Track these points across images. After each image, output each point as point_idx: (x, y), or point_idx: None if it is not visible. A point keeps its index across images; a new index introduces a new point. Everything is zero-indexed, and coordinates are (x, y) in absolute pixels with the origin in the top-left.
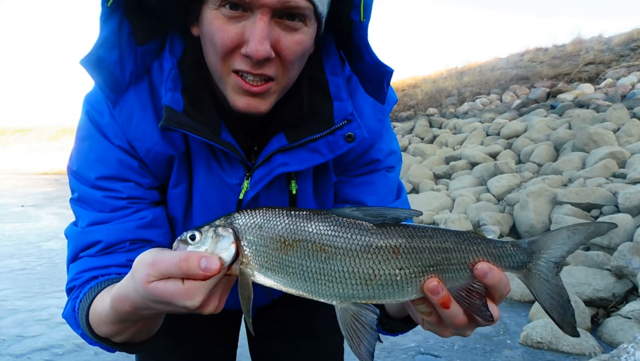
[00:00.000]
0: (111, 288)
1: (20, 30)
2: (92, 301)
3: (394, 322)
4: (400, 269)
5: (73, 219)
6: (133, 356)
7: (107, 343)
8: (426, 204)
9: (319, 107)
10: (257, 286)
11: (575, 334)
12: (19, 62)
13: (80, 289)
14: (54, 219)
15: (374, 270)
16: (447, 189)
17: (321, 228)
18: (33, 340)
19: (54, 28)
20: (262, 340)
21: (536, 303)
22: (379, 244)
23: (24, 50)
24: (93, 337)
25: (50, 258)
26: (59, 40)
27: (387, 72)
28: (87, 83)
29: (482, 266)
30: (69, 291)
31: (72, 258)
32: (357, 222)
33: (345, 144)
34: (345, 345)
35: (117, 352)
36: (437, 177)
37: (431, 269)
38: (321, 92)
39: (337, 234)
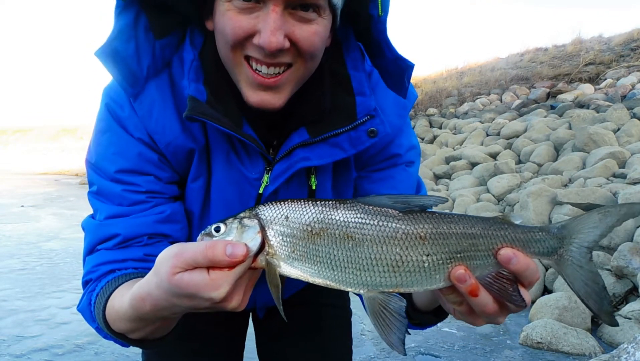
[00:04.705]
0: (130, 284)
1: (21, 31)
2: (109, 296)
3: (423, 315)
4: (428, 255)
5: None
6: (138, 357)
7: (122, 338)
8: None
9: (341, 102)
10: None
11: (614, 323)
12: (20, 62)
13: (97, 282)
14: (54, 219)
15: (401, 257)
16: (447, 189)
17: (348, 216)
18: (33, 340)
19: (54, 28)
20: (270, 339)
21: (536, 303)
22: (406, 231)
23: (25, 51)
24: (108, 332)
25: (50, 258)
26: (59, 40)
27: (408, 66)
28: (87, 84)
29: (506, 252)
30: (85, 284)
31: (89, 251)
32: (383, 209)
33: (368, 140)
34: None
35: (118, 352)
36: (437, 178)
37: (458, 255)
38: (343, 87)
39: (364, 221)
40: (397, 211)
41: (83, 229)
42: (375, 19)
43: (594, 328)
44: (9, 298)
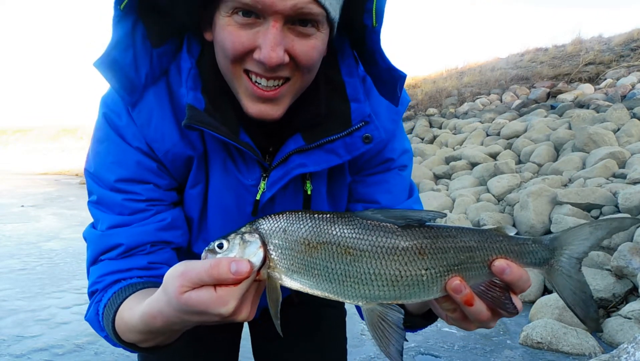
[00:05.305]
0: (138, 297)
1: (21, 31)
2: (118, 308)
3: (413, 319)
4: (426, 269)
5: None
6: (135, 357)
7: (132, 347)
8: (426, 205)
9: (336, 109)
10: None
11: (599, 329)
12: (20, 62)
13: (103, 293)
14: (54, 219)
15: (400, 271)
16: (447, 190)
17: (345, 230)
18: (33, 340)
19: (54, 28)
20: (265, 340)
21: (536, 303)
22: (405, 246)
23: (25, 51)
24: (118, 341)
25: (50, 258)
26: (59, 40)
27: (400, 76)
28: (87, 84)
29: (500, 263)
30: (91, 294)
31: (93, 261)
32: (381, 224)
33: (363, 145)
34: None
35: (118, 352)
36: (437, 178)
37: (456, 268)
38: (338, 93)
39: (361, 236)
40: (396, 226)
41: (85, 239)
42: (369, 29)
43: None
44: (9, 298)
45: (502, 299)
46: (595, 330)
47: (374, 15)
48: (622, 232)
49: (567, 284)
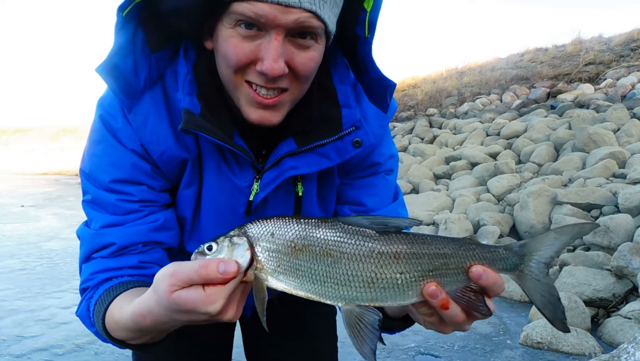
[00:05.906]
0: (128, 296)
1: (21, 31)
2: (108, 305)
3: (392, 322)
4: (401, 273)
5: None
6: (130, 356)
7: (121, 344)
8: (426, 205)
9: (328, 114)
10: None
11: (566, 330)
12: (20, 62)
13: (94, 290)
14: (54, 219)
15: (376, 274)
16: (447, 189)
17: (328, 234)
18: (33, 340)
19: (54, 28)
20: (256, 338)
21: None
22: (381, 250)
23: (25, 51)
24: (107, 337)
25: (50, 258)
26: (59, 40)
27: (390, 85)
28: (87, 84)
29: (477, 269)
30: (83, 291)
31: (85, 259)
32: (361, 229)
33: (353, 150)
34: (349, 346)
35: (118, 352)
36: (437, 178)
37: (430, 273)
38: (330, 99)
39: (342, 240)
40: (374, 231)
41: (78, 237)
42: (361, 40)
43: (594, 328)
44: (9, 298)
45: (476, 302)
46: (563, 330)
47: (366, 27)
48: (583, 236)
49: (536, 288)
